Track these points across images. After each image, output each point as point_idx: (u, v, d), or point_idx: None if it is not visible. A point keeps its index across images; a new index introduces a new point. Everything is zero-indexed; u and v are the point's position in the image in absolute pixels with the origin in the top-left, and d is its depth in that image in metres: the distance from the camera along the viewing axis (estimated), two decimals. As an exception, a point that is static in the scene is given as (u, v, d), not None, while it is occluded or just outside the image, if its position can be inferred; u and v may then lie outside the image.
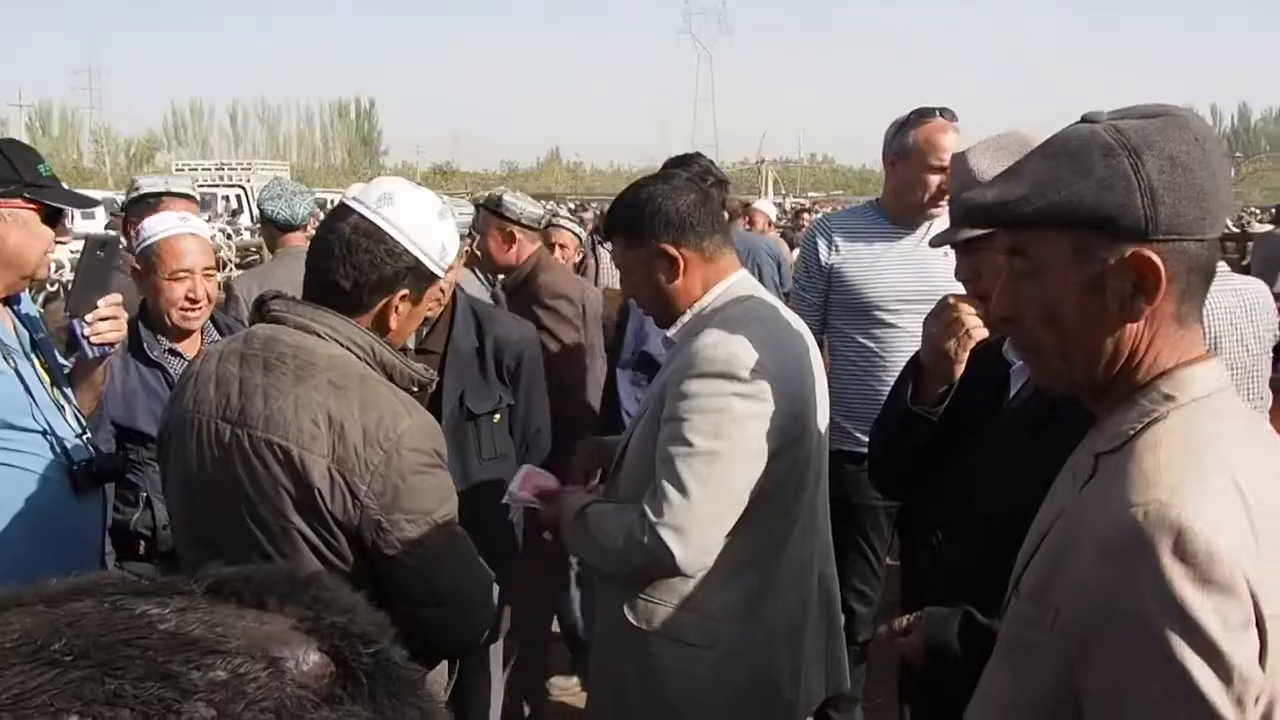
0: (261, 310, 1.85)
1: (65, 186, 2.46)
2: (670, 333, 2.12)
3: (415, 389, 1.84)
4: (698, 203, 2.08)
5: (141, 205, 3.35)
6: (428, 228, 1.80)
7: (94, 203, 2.56)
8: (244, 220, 20.70)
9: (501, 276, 3.70)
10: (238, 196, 24.20)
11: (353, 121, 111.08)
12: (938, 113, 3.16)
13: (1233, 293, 3.16)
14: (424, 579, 1.72)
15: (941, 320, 2.02)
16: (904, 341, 3.17)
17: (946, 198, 3.19)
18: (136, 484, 2.75)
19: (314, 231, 1.89)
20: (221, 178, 27.78)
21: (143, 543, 2.78)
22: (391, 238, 1.76)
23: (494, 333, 2.76)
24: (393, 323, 1.80)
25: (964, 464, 1.94)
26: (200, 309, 2.79)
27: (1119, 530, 1.10)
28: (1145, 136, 1.16)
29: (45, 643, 0.50)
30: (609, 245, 2.36)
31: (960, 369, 2.01)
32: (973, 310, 1.98)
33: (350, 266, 1.74)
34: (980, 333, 1.98)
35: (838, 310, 3.28)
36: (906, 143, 3.13)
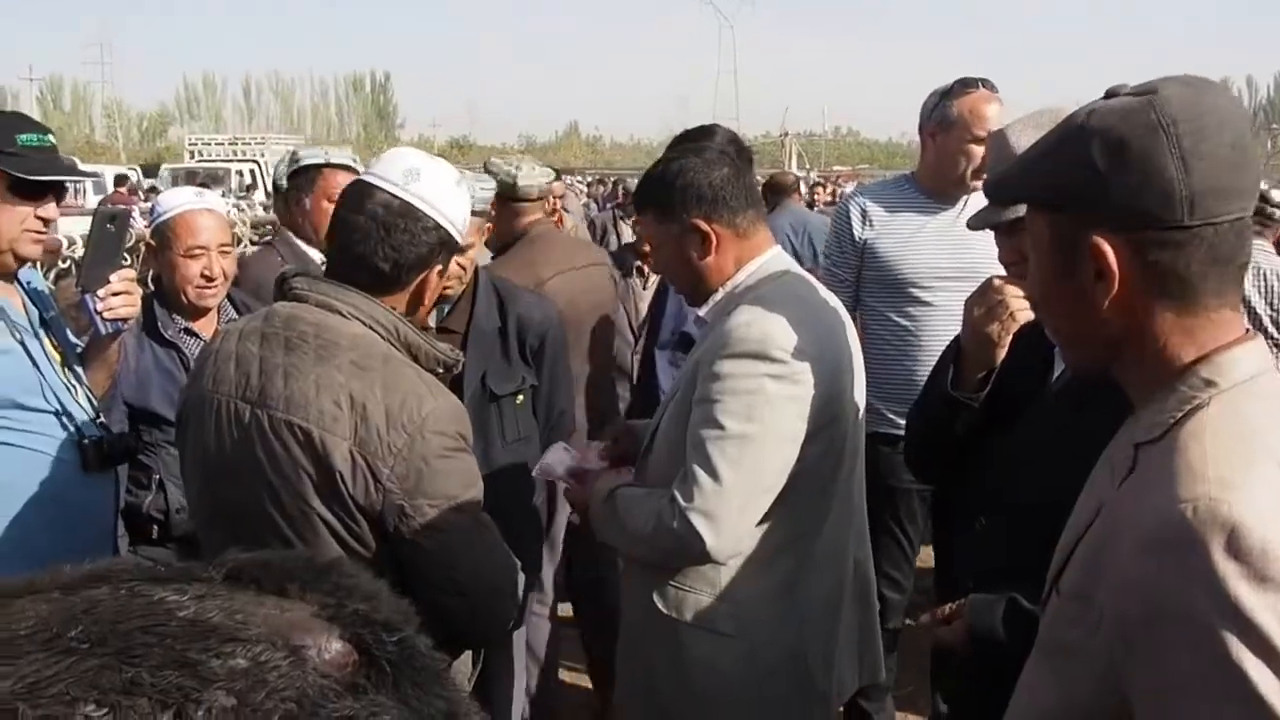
0: (283, 288, 1.84)
1: (68, 158, 2.40)
2: (702, 311, 2.10)
3: (440, 370, 1.84)
4: (731, 176, 2.06)
5: (303, 177, 3.31)
6: (452, 198, 1.81)
7: (72, 173, 2.40)
8: (258, 196, 20.74)
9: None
10: (251, 171, 24.25)
11: (368, 95, 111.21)
12: (980, 83, 3.11)
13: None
14: (447, 566, 1.71)
15: (985, 303, 2.00)
16: (940, 321, 3.14)
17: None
18: (150, 466, 2.74)
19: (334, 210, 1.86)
20: (235, 152, 27.76)
21: (155, 527, 2.77)
22: (425, 214, 1.76)
23: (516, 311, 2.74)
24: (426, 297, 1.81)
25: (1007, 448, 1.92)
26: (216, 287, 2.78)
27: (1165, 526, 1.07)
28: (1123, 117, 1.13)
29: (61, 630, 0.50)
30: (628, 220, 2.32)
31: (1002, 353, 1.99)
32: (1018, 292, 1.94)
33: (390, 248, 1.74)
34: (1025, 316, 1.96)
35: (871, 287, 3.25)
36: (949, 113, 3.08)
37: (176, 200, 2.85)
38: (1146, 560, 1.08)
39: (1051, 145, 1.19)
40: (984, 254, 3.16)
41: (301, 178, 3.29)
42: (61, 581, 0.56)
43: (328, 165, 3.33)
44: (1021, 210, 1.74)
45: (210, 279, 2.76)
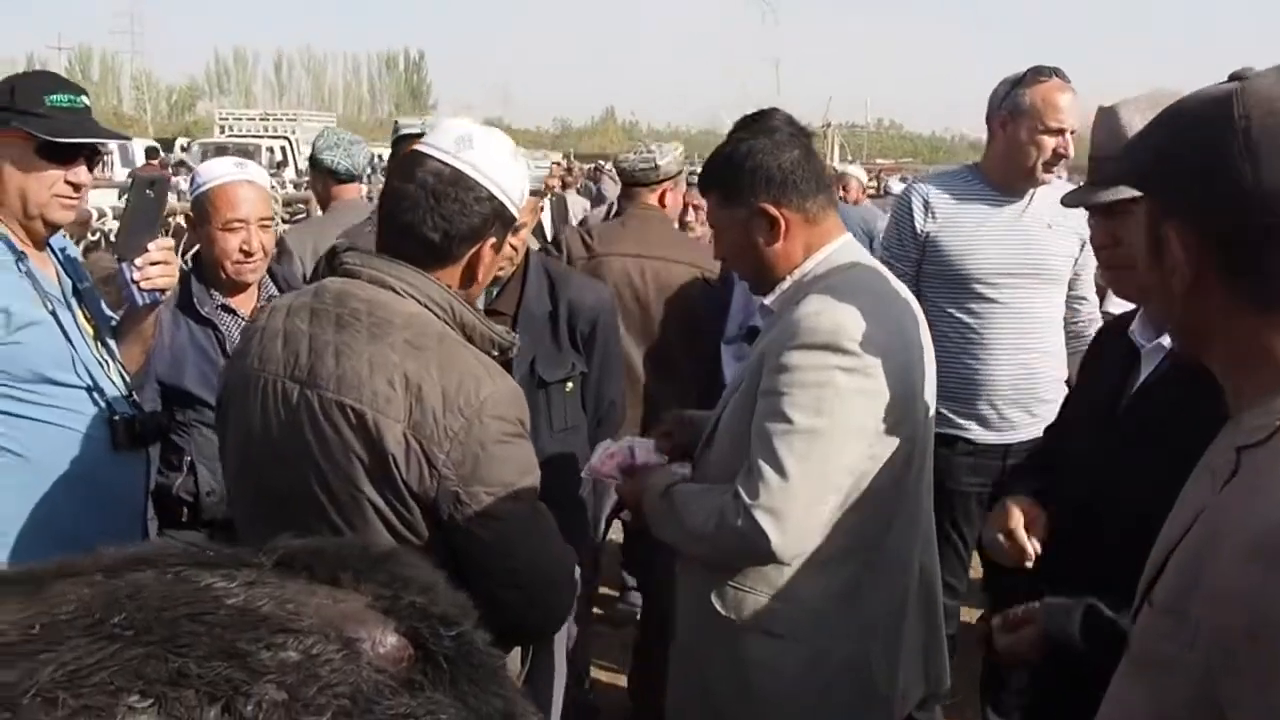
0: (333, 263, 1.81)
1: (97, 121, 2.32)
2: (768, 300, 2.07)
3: (495, 353, 1.81)
4: (801, 159, 2.02)
5: (402, 148, 3.30)
6: (508, 169, 1.78)
7: (104, 136, 2.36)
8: (289, 173, 20.85)
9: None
10: (283, 148, 24.39)
11: (401, 74, 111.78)
12: (1053, 73, 3.05)
13: None
14: (504, 556, 1.69)
15: (995, 529, 2.04)
16: (1004, 318, 3.08)
17: (1063, 161, 3.04)
18: (181, 447, 2.73)
19: (379, 183, 1.84)
20: (265, 128, 27.92)
21: (185, 509, 2.73)
22: (478, 183, 1.74)
23: (568, 296, 2.71)
24: (480, 272, 1.78)
25: (1090, 454, 1.89)
26: (255, 262, 2.75)
27: (1273, 531, 1.04)
28: (1204, 104, 1.11)
29: (104, 616, 0.49)
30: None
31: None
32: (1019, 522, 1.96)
33: (439, 217, 1.72)
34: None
35: (932, 282, 3.19)
36: (1021, 102, 3.02)
37: (217, 171, 2.82)
38: (1251, 568, 1.04)
39: (1148, 128, 1.18)
40: (1051, 251, 3.10)
41: (401, 149, 3.28)
42: (104, 564, 0.55)
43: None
44: (1120, 192, 1.70)
45: (249, 254, 2.73)
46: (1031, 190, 3.11)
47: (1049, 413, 3.16)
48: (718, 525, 1.93)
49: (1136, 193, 1.64)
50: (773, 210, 2.00)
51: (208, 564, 0.56)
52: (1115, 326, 2.02)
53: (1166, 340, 1.79)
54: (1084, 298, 3.28)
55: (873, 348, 1.89)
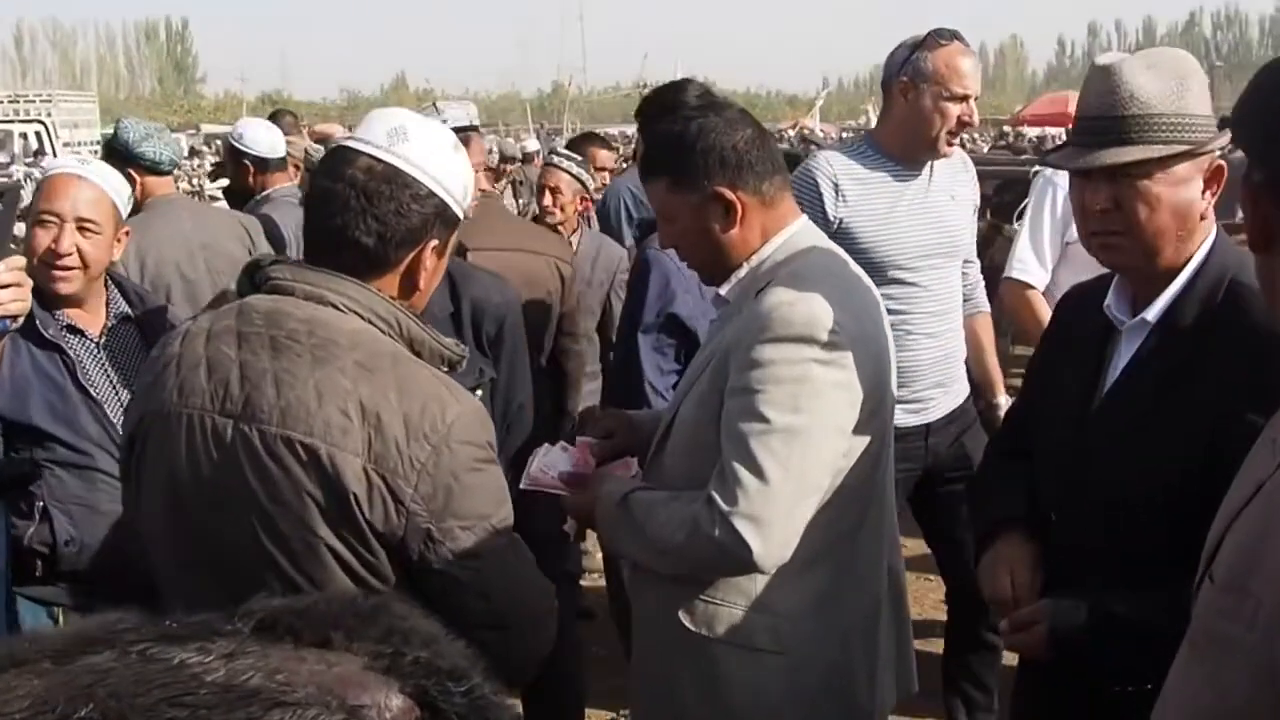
0: (254, 278, 1.73)
1: None
2: (723, 290, 2.06)
3: (444, 369, 1.76)
4: (756, 139, 2.02)
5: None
6: (448, 163, 1.73)
7: None
8: (49, 162, 19.42)
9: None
10: (38, 134, 22.74)
11: (163, 44, 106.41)
12: (952, 36, 3.09)
13: None
14: (484, 596, 1.64)
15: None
16: (923, 301, 3.11)
17: (966, 128, 3.09)
18: (32, 492, 2.54)
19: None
20: (16, 111, 25.93)
21: (40, 561, 2.55)
22: (415, 179, 1.68)
23: (471, 294, 2.66)
24: (421, 280, 1.73)
25: (1075, 442, 1.92)
26: (68, 269, 2.57)
27: None
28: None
29: (68, 710, 0.47)
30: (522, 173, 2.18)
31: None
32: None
33: (372, 219, 1.65)
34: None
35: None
36: (924, 68, 3.04)
37: (55, 164, 2.59)
38: None
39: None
40: (959, 225, 3.17)
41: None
42: (48, 648, 0.52)
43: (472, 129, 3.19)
44: (1125, 155, 1.74)
45: (60, 255, 2.54)
46: (931, 163, 3.15)
47: (962, 385, 3.24)
48: (690, 536, 1.91)
49: (1158, 153, 1.71)
50: (728, 194, 1.98)
51: (175, 637, 0.54)
52: (1080, 298, 2.04)
53: (1152, 314, 1.82)
54: (972, 261, 3.36)
55: (847, 338, 1.90)
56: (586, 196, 4.28)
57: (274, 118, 6.00)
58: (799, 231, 2.06)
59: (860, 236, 3.06)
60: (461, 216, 1.77)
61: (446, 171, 1.72)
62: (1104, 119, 1.77)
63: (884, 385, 2.02)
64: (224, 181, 5.91)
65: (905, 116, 3.11)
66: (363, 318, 1.66)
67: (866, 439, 1.98)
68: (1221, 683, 1.23)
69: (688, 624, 2.02)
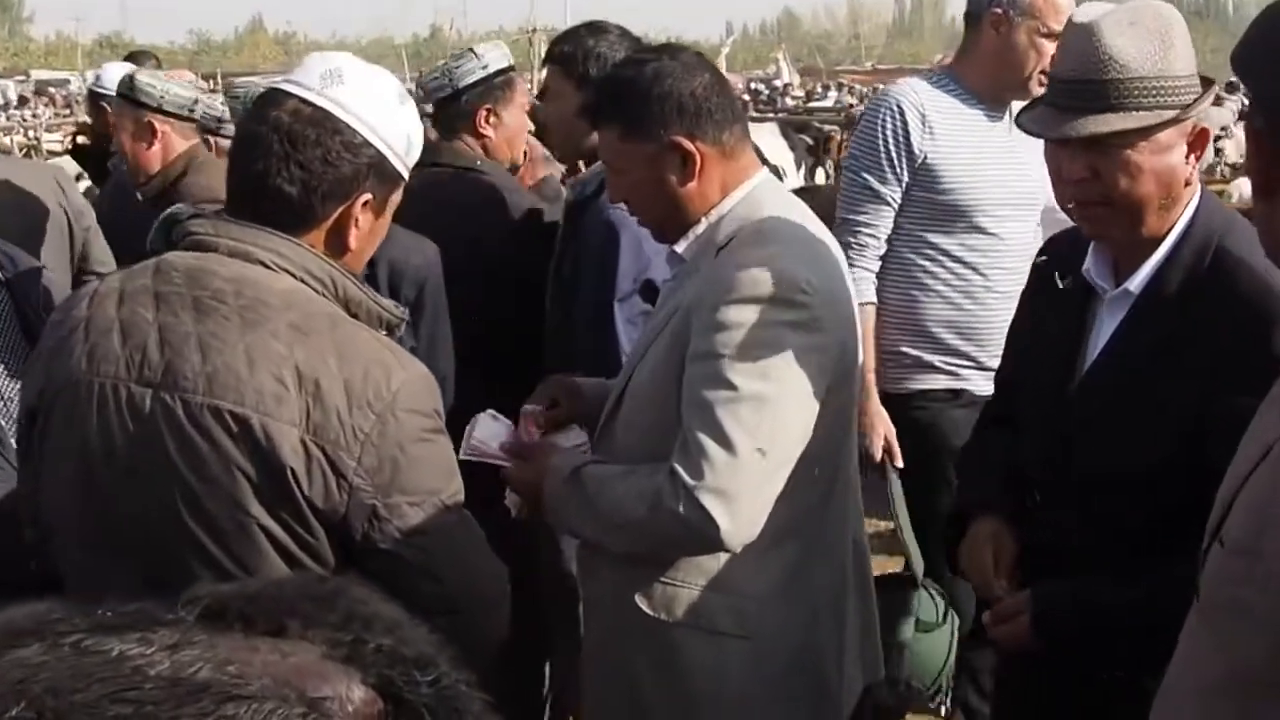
0: (172, 234, 1.72)
1: None
2: (680, 248, 2.05)
3: (383, 332, 1.75)
4: (714, 84, 2.01)
5: (483, 87, 3.09)
6: (388, 111, 1.71)
7: None
8: None
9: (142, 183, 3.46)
10: None
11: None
12: None
13: None
14: (434, 579, 1.64)
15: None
16: (1006, 257, 3.03)
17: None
18: None
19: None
20: None
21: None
22: (347, 125, 1.66)
23: (388, 255, 2.58)
24: (352, 239, 1.70)
25: (1058, 417, 1.94)
26: None
27: None
28: None
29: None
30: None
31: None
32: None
33: (296, 166, 1.63)
34: None
35: (922, 213, 3.07)
36: (1021, 0, 2.95)
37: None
38: None
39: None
40: (1039, 176, 3.02)
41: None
42: None
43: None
44: (1105, 125, 1.74)
45: None
46: (1011, 106, 3.05)
47: None
48: (651, 511, 1.90)
49: (1140, 122, 1.71)
50: (686, 144, 1.97)
51: (111, 627, 0.52)
52: (1056, 255, 2.05)
53: (1135, 284, 1.85)
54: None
55: (819, 299, 1.91)
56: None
57: (134, 59, 5.71)
58: (760, 185, 2.05)
59: (945, 176, 3.00)
60: (403, 173, 1.74)
61: (386, 121, 1.69)
62: (1081, 83, 1.78)
63: (854, 350, 2.04)
64: (61, 134, 5.63)
65: (996, 51, 3.02)
66: (294, 276, 1.63)
67: (836, 407, 1.99)
68: (1233, 649, 1.27)
69: (644, 608, 2.02)
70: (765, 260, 1.90)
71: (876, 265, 3.06)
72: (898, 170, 3.04)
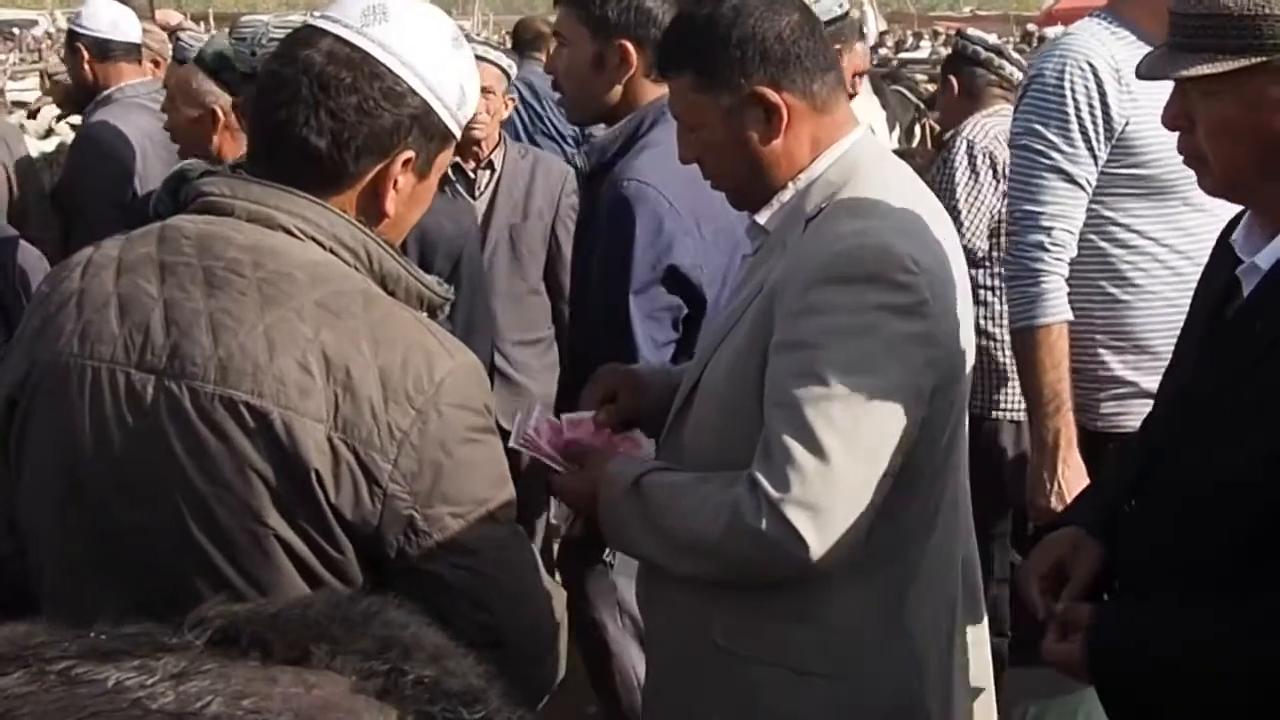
0: (179, 194, 1.72)
1: None
2: (762, 218, 1.99)
3: (424, 313, 1.72)
4: (804, 25, 1.95)
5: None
6: (439, 58, 1.66)
7: None
8: None
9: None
10: None
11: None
12: None
13: None
14: (479, 605, 1.60)
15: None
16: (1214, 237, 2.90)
17: None
18: None
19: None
20: None
21: None
22: (389, 70, 1.60)
23: (421, 222, 2.47)
24: (389, 204, 1.65)
25: (1170, 413, 1.88)
26: None
27: None
28: None
29: None
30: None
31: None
32: None
33: (326, 114, 1.58)
34: None
35: (1122, 196, 2.86)
36: None
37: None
38: None
39: None
40: None
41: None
42: None
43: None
44: (1173, 67, 1.68)
45: None
46: None
47: None
48: (727, 528, 1.84)
49: (1212, 69, 1.62)
50: (770, 95, 1.91)
51: (106, 653, 0.52)
52: (1230, 225, 1.94)
53: (1263, 258, 1.75)
54: None
55: (926, 280, 1.85)
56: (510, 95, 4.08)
57: None
58: (858, 145, 1.99)
59: (1150, 144, 2.76)
60: (454, 130, 1.70)
61: (435, 66, 1.64)
62: (1174, 15, 1.70)
63: (965, 340, 1.99)
64: (30, 82, 5.56)
65: None
66: (323, 246, 1.60)
67: (945, 407, 1.94)
68: None
69: (719, 640, 1.97)
70: (863, 233, 1.85)
71: (1068, 270, 2.80)
72: (1094, 145, 2.79)
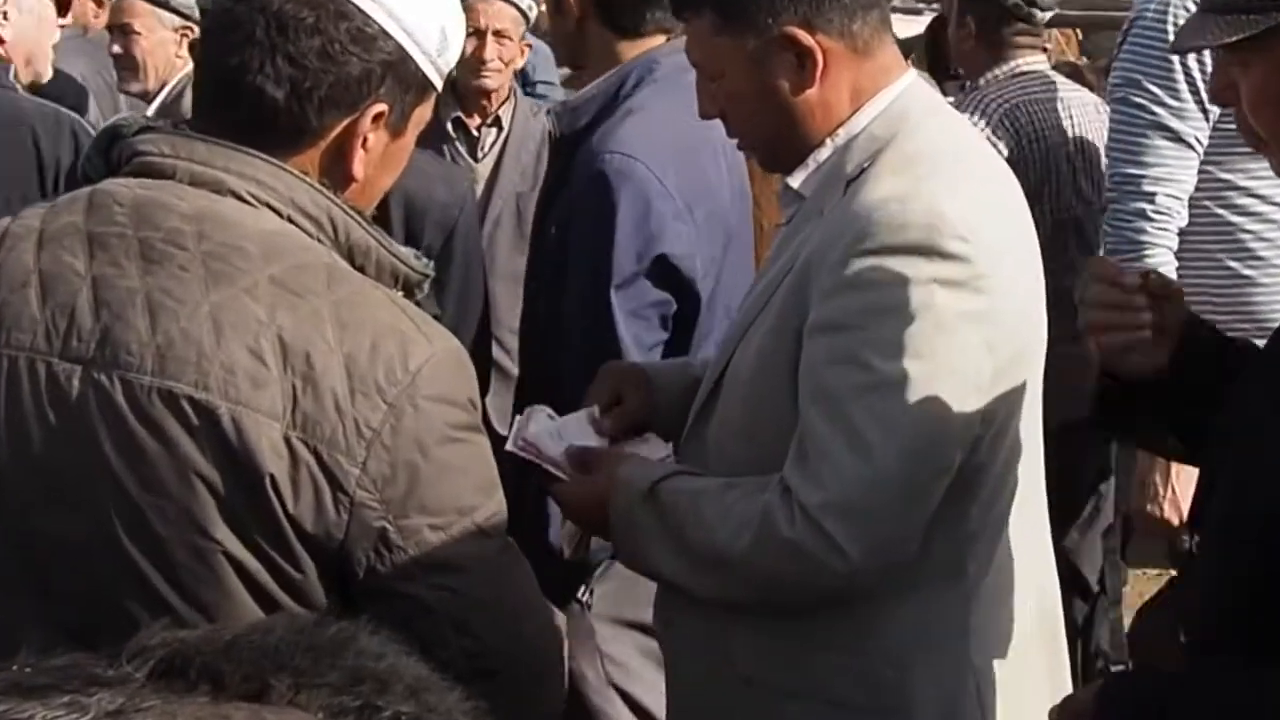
0: (112, 153, 1.67)
1: None
2: (796, 181, 1.95)
3: (399, 291, 1.72)
4: None
5: None
6: None
7: None
8: None
9: None
10: None
11: None
12: None
13: None
14: (465, 630, 1.59)
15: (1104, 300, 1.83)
16: None
17: None
18: None
19: None
20: None
21: None
22: (358, 8, 1.60)
23: (403, 187, 2.46)
24: (357, 165, 1.64)
25: (1219, 445, 1.81)
26: None
27: None
28: None
29: None
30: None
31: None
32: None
33: (284, 60, 1.56)
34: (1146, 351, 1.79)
35: (1243, 149, 2.72)
36: None
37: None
38: None
39: None
40: None
41: None
42: None
43: None
44: (1201, 31, 1.65)
45: None
46: None
47: None
48: (757, 541, 1.82)
49: (1236, 33, 1.59)
50: (803, 37, 1.87)
51: (31, 688, 0.52)
52: None
53: None
54: None
55: (985, 248, 1.82)
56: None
57: None
58: (907, 93, 1.95)
59: None
60: (435, 80, 1.69)
61: (413, 6, 1.63)
62: None
63: (1036, 319, 1.97)
64: None
65: None
66: (279, 214, 1.58)
67: (1012, 398, 1.90)
68: None
69: (745, 670, 1.94)
70: (911, 195, 1.82)
71: (1176, 241, 2.78)
72: (1204, 97, 2.73)
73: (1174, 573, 2.16)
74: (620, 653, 2.51)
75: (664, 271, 2.58)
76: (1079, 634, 3.44)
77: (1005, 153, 3.49)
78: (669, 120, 2.47)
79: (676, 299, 2.59)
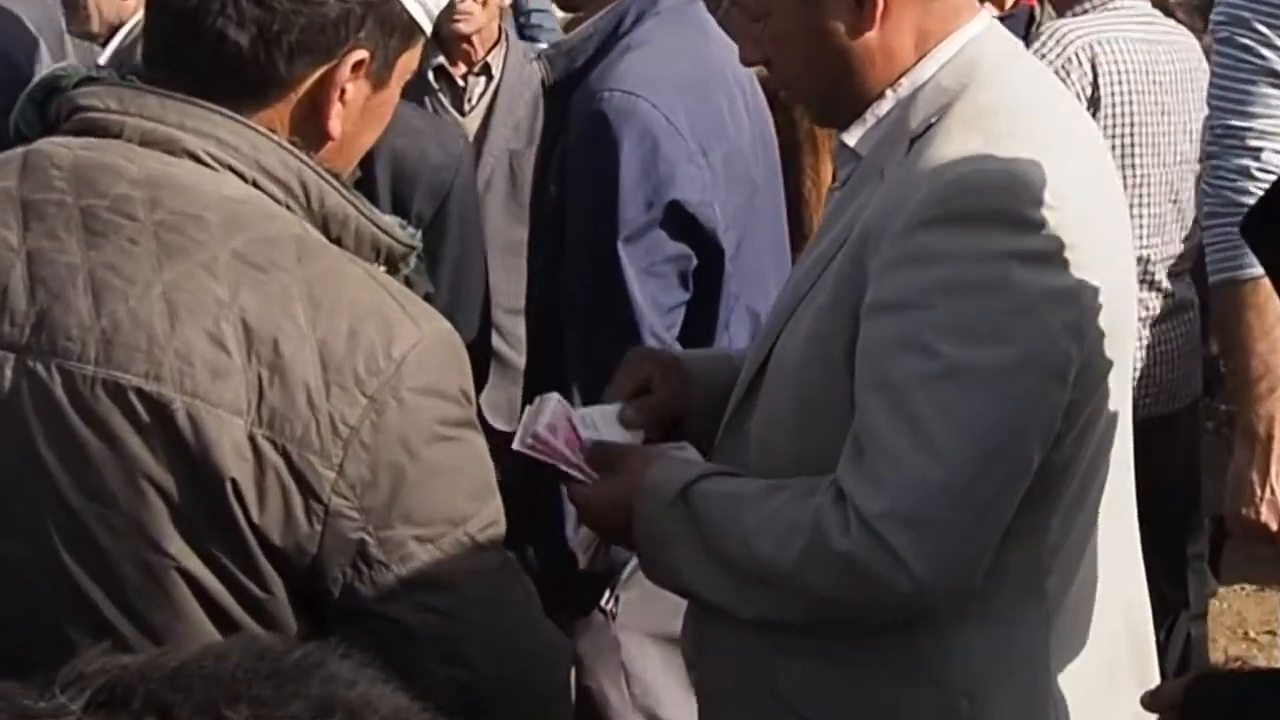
0: (48, 107, 1.64)
1: None
2: (852, 139, 1.91)
3: (382, 265, 1.71)
4: None
5: None
6: None
7: None
8: None
9: None
10: None
11: None
12: None
13: None
14: (457, 658, 1.57)
15: None
16: None
17: None
18: None
19: None
20: None
21: None
22: None
23: (390, 147, 2.44)
24: (334, 121, 1.62)
25: None
26: None
27: None
28: None
29: None
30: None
31: None
32: None
33: (250, 2, 1.54)
34: None
35: None
36: None
37: None
38: None
39: None
40: None
41: None
42: None
43: None
44: None
45: None
46: None
47: None
48: (806, 553, 1.78)
49: None
50: None
51: None
52: None
53: None
54: None
55: (1069, 218, 1.77)
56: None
57: None
58: (980, 37, 1.90)
59: None
60: (424, 24, 1.67)
61: None
62: None
63: (1125, 299, 1.94)
64: None
65: None
66: (244, 178, 1.57)
67: (1099, 386, 1.86)
68: None
69: (791, 703, 1.91)
70: (985, 156, 1.78)
71: None
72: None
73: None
74: (647, 670, 2.50)
75: (679, 220, 2.51)
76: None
77: (1077, 94, 3.55)
78: (676, 54, 2.47)
79: (696, 253, 2.54)
